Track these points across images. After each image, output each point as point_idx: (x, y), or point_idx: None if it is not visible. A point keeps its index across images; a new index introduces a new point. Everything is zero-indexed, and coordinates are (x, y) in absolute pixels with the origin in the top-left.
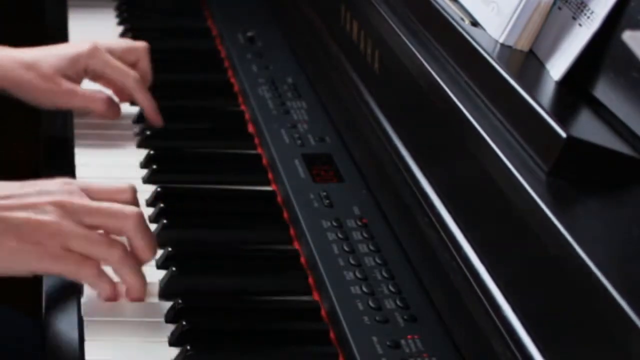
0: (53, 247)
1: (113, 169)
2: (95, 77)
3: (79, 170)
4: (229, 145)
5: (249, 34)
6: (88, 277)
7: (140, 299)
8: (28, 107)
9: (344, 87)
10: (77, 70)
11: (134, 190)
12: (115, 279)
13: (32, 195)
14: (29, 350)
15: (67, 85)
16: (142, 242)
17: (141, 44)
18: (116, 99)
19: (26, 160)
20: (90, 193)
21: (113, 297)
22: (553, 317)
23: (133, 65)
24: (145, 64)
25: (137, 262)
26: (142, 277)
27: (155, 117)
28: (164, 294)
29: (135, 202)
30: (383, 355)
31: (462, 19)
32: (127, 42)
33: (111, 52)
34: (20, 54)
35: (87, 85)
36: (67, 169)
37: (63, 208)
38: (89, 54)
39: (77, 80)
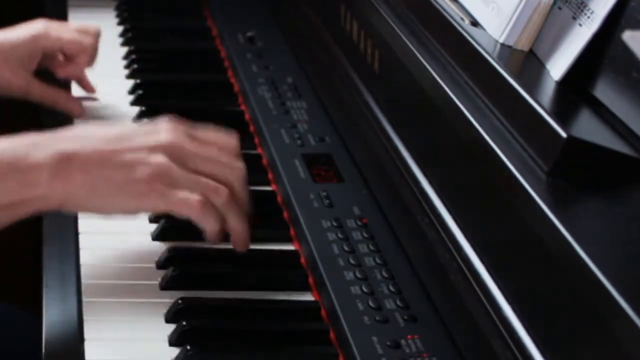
0: (162, 187)
1: None
2: (50, 63)
3: None
4: None
5: (249, 34)
6: (195, 211)
7: (245, 245)
8: (28, 105)
9: (344, 87)
10: (33, 53)
11: (236, 141)
12: None
13: (144, 139)
14: (29, 348)
15: (24, 75)
16: (244, 194)
17: (93, 26)
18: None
19: None
20: (197, 138)
21: (218, 236)
22: (553, 317)
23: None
24: (96, 44)
25: (241, 209)
26: (247, 224)
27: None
28: (164, 294)
29: (239, 154)
30: (383, 355)
31: (462, 19)
32: (80, 25)
33: (62, 32)
34: None
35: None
36: None
37: (172, 152)
38: (43, 34)
39: (33, 64)
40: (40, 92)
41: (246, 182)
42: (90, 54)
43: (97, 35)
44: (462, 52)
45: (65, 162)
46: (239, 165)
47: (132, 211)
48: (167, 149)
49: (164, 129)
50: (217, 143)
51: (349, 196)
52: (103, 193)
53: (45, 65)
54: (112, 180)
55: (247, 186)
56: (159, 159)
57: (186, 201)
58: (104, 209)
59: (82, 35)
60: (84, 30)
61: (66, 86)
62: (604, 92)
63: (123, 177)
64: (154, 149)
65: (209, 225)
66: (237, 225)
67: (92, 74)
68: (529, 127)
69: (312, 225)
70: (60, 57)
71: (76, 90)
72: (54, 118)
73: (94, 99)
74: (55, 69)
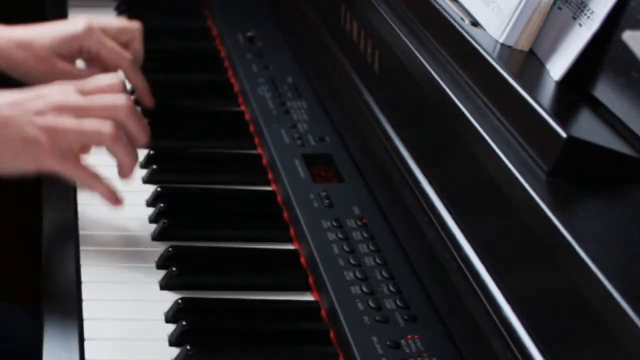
0: (52, 146)
1: (113, 168)
2: (89, 57)
3: None
4: (229, 145)
5: (249, 34)
6: (84, 176)
7: (129, 175)
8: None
9: (344, 87)
10: (72, 50)
11: (122, 82)
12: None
13: (33, 100)
14: (29, 348)
15: (62, 66)
16: (135, 127)
17: (135, 24)
18: None
19: None
20: (84, 91)
21: (112, 197)
22: (553, 317)
23: (126, 45)
24: (138, 44)
25: (128, 144)
26: (135, 155)
27: (147, 98)
28: (163, 294)
29: (124, 91)
30: (383, 355)
31: (462, 19)
32: (121, 22)
33: (105, 31)
34: (14, 32)
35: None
36: None
37: (60, 109)
38: (84, 34)
39: (72, 60)
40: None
41: (135, 112)
42: (128, 70)
43: (139, 34)
44: (462, 52)
45: None
46: (123, 101)
47: (30, 170)
48: (56, 107)
49: (52, 89)
50: (101, 87)
51: (349, 196)
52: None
53: (84, 60)
54: (6, 142)
55: (138, 116)
56: (50, 120)
57: (78, 170)
58: (3, 170)
59: (121, 51)
60: (126, 29)
61: None
62: (604, 92)
63: (17, 137)
64: (44, 110)
65: (101, 191)
66: (123, 158)
67: None
68: (529, 127)
69: (312, 225)
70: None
71: None
72: None
73: None
74: (93, 67)
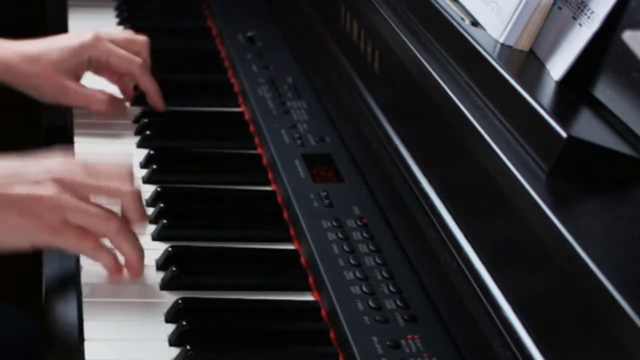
0: (52, 220)
1: None
2: (98, 68)
3: None
4: (229, 145)
5: (249, 34)
6: (88, 249)
7: (139, 272)
8: (29, 97)
9: (344, 87)
10: (81, 61)
11: (130, 168)
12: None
13: (33, 172)
14: (29, 348)
15: (70, 83)
16: (137, 216)
17: (142, 37)
18: (119, 95)
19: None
20: (90, 170)
21: (116, 269)
22: (553, 316)
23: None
24: (145, 55)
25: (134, 237)
26: (140, 249)
27: (158, 101)
28: (164, 294)
29: (131, 179)
30: (383, 355)
31: (462, 19)
32: (128, 34)
33: (113, 42)
34: (22, 47)
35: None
36: None
37: (63, 183)
38: (92, 43)
39: (81, 71)
40: (84, 100)
41: (140, 201)
42: (139, 74)
43: (145, 48)
44: (462, 52)
45: None
46: (130, 190)
47: (26, 246)
48: (57, 180)
49: (54, 161)
50: (108, 170)
51: (349, 196)
52: None
53: (93, 72)
54: (4, 219)
55: (141, 205)
56: (49, 190)
57: (78, 241)
58: None
59: (130, 55)
60: (133, 42)
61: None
62: (604, 92)
63: (15, 213)
64: (43, 180)
65: (102, 261)
66: (129, 253)
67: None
68: (529, 127)
69: (312, 225)
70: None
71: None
72: (54, 112)
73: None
74: (102, 76)
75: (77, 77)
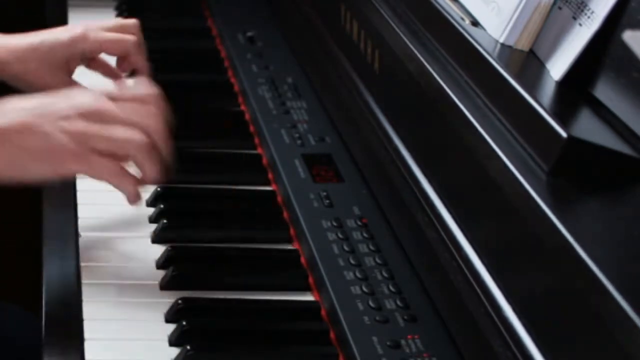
0: (77, 149)
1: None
2: (92, 58)
3: None
4: (229, 145)
5: (249, 34)
6: (111, 175)
7: (156, 181)
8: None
9: (344, 87)
10: (74, 54)
11: (156, 96)
12: None
13: (60, 104)
14: (28, 348)
15: (63, 77)
16: (162, 142)
17: (132, 20)
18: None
19: None
20: (115, 98)
21: (136, 197)
22: (553, 317)
23: None
24: (138, 35)
25: (157, 158)
26: (158, 170)
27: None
28: (164, 294)
29: (158, 103)
30: (383, 355)
31: (462, 19)
32: (118, 20)
33: (104, 29)
34: (14, 42)
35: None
36: None
37: (92, 115)
38: (83, 37)
39: (73, 66)
40: None
41: (163, 130)
42: (135, 52)
43: (137, 30)
44: (462, 52)
45: None
46: (155, 112)
47: (51, 175)
48: (85, 114)
49: (81, 94)
50: (135, 97)
51: (349, 196)
52: (22, 162)
53: (85, 66)
54: (31, 149)
55: (165, 134)
56: (78, 125)
57: (104, 168)
58: (23, 176)
59: (122, 34)
60: (124, 26)
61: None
62: (604, 92)
63: (42, 144)
64: (72, 115)
65: (127, 189)
66: (149, 171)
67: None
68: (529, 127)
69: (312, 225)
70: (101, 59)
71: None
72: None
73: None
74: (95, 70)
75: (70, 72)
